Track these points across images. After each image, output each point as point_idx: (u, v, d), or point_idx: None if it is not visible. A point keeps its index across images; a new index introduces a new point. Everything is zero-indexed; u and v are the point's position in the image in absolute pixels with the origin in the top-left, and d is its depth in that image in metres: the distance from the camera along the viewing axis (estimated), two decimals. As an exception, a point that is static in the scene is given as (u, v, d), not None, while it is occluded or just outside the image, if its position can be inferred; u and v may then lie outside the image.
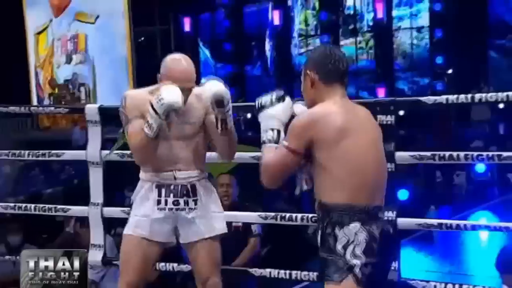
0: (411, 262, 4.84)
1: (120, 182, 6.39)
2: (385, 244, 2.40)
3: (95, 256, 3.89)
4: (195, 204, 2.87)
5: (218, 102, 2.72)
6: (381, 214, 2.42)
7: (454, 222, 3.84)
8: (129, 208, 4.33)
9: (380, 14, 13.90)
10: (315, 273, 3.50)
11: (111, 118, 3.98)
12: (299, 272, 3.54)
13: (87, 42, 9.18)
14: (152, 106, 2.68)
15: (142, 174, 2.92)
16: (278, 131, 2.45)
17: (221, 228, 2.94)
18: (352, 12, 14.67)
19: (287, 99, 2.49)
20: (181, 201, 2.85)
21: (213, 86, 2.74)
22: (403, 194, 7.40)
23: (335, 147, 2.33)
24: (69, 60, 9.22)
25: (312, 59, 2.50)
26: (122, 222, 5.64)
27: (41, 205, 4.38)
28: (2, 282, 4.88)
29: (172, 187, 2.85)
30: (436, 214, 7.64)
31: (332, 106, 2.39)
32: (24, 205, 4.38)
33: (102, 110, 3.89)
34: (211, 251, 2.90)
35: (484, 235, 7.64)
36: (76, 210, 4.22)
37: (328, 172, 2.36)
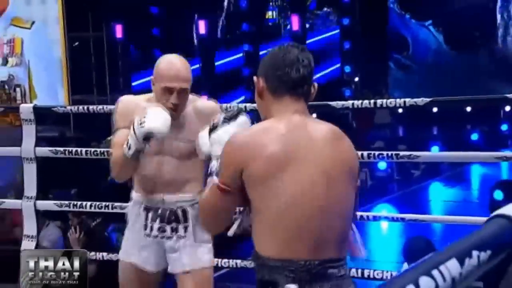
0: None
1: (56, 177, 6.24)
2: None
3: (28, 246, 3.79)
4: (185, 231, 2.33)
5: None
6: (333, 270, 1.68)
7: (357, 214, 3.92)
8: (64, 202, 4.23)
9: (295, 27, 14.08)
10: (236, 260, 3.51)
11: (45, 117, 3.90)
12: (219, 259, 3.55)
13: (23, 46, 8.87)
14: (133, 125, 2.19)
15: (132, 193, 2.44)
16: None
17: (207, 261, 2.38)
18: (271, 24, 14.85)
19: (241, 117, 1.87)
20: (168, 228, 2.32)
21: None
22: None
23: (266, 183, 1.65)
24: (5, 62, 8.88)
25: (262, 63, 1.81)
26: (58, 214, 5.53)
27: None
28: None
29: (159, 211, 2.33)
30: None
31: (273, 127, 1.71)
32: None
33: (36, 110, 3.81)
34: (197, 285, 2.33)
35: (384, 225, 7.84)
36: (10, 203, 4.11)
37: (260, 216, 1.68)
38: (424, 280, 0.48)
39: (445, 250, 0.56)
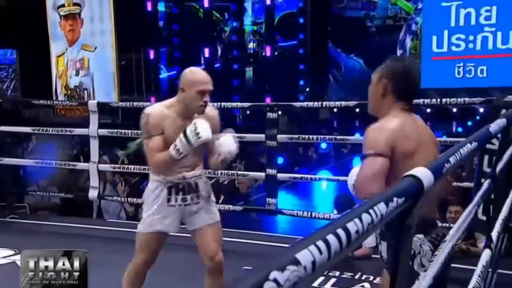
0: (284, 199, 4.94)
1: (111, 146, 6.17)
2: None
3: (93, 193, 3.77)
4: (198, 198, 2.06)
5: (227, 159, 2.04)
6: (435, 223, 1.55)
7: (308, 176, 3.96)
8: (116, 165, 4.15)
9: (268, 53, 14.11)
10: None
11: (103, 109, 3.86)
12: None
13: (89, 63, 8.80)
14: (186, 137, 1.88)
15: (153, 176, 2.06)
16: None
17: (218, 216, 2.12)
18: (251, 51, 14.88)
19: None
20: (188, 197, 2.04)
21: (230, 146, 2.02)
22: (280, 160, 7.60)
23: (410, 158, 1.43)
24: (77, 73, 8.80)
25: (391, 70, 1.56)
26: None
27: (60, 161, 4.21)
28: (35, 207, 4.70)
29: (180, 186, 2.03)
30: (298, 171, 7.84)
31: (406, 121, 1.51)
32: (49, 161, 4.14)
33: (99, 104, 3.78)
34: (215, 233, 2.06)
35: (324, 184, 7.88)
36: (81, 165, 4.07)
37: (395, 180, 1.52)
38: (364, 216, 0.49)
39: (377, 197, 0.56)
